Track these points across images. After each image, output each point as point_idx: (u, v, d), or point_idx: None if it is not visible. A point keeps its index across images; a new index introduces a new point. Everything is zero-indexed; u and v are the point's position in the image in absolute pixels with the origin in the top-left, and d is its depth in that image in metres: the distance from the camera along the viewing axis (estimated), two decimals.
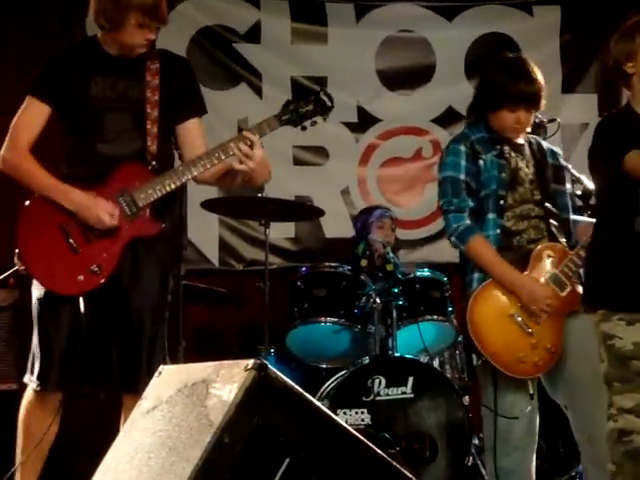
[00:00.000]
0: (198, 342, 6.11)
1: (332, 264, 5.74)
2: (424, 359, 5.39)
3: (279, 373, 2.61)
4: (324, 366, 5.62)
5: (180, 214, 4.24)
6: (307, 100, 4.07)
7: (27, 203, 3.92)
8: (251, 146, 3.90)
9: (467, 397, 5.20)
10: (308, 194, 6.80)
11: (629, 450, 3.58)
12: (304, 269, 5.79)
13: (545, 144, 4.43)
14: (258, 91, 6.80)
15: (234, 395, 2.54)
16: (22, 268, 3.87)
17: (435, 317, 5.53)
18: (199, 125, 4.13)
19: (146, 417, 2.89)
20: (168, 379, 2.99)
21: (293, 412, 2.61)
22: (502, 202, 4.16)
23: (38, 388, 3.88)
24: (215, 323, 6.47)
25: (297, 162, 6.87)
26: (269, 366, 2.59)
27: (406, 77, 7.02)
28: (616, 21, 3.88)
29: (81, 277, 3.82)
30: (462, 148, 4.23)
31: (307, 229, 6.82)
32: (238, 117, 6.74)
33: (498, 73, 4.27)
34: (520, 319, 4.10)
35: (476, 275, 4.20)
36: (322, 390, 5.18)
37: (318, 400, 4.94)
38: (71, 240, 3.84)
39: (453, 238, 4.22)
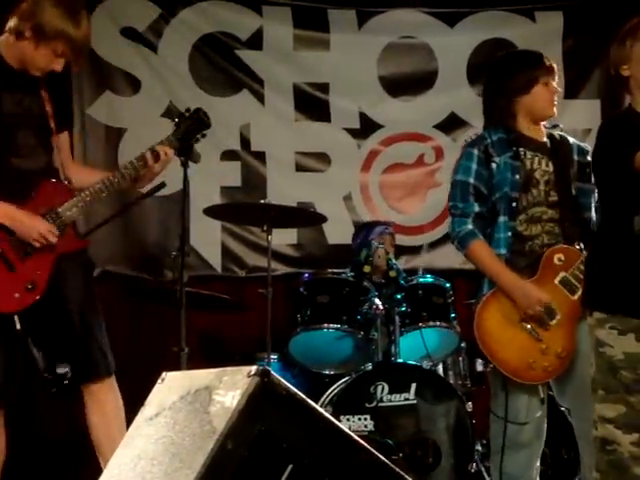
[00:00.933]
0: (201, 348, 6.10)
1: (335, 270, 5.75)
2: (427, 365, 5.38)
3: (282, 379, 2.61)
4: (327, 372, 5.62)
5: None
6: (191, 119, 4.26)
7: None
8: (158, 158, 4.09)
9: (470, 403, 5.19)
10: (310, 200, 6.80)
11: (612, 460, 3.54)
12: (307, 275, 5.79)
13: (571, 140, 4.41)
14: (260, 98, 6.80)
15: (237, 401, 2.53)
16: None
17: (438, 323, 5.53)
18: (69, 139, 4.24)
19: (149, 424, 2.88)
20: (171, 386, 2.99)
21: (296, 418, 2.61)
22: (514, 204, 4.16)
23: None
24: (218, 329, 6.46)
25: (299, 168, 6.86)
26: (272, 372, 2.58)
27: (408, 83, 7.01)
28: (618, 27, 3.87)
29: (17, 294, 3.88)
30: (475, 152, 4.24)
31: (309, 235, 6.81)
32: (240, 124, 6.74)
33: (517, 60, 4.37)
34: (529, 326, 4.09)
35: (486, 281, 4.21)
36: (325, 396, 5.18)
37: (321, 406, 4.93)
38: (7, 258, 3.88)
39: (455, 242, 4.26)
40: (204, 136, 4.31)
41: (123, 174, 4.05)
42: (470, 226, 4.19)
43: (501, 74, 4.34)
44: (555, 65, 4.34)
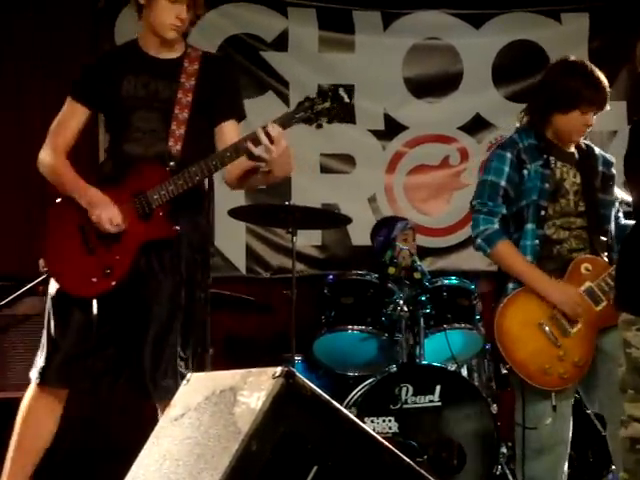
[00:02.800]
0: (225, 350, 6.11)
1: (359, 272, 5.74)
2: (451, 367, 5.37)
3: (307, 381, 2.61)
4: (351, 374, 5.62)
5: (207, 225, 4.12)
6: (324, 97, 3.93)
7: (54, 203, 3.97)
8: (270, 139, 3.78)
9: (495, 405, 5.17)
10: (335, 202, 6.80)
11: None
12: (331, 277, 5.79)
13: (597, 150, 4.41)
14: (285, 99, 6.80)
15: (262, 403, 2.54)
16: (45, 269, 3.92)
17: (463, 325, 5.52)
18: (236, 128, 4.07)
19: (174, 424, 2.89)
20: (196, 387, 2.99)
21: (320, 420, 2.61)
22: (543, 213, 4.16)
23: (37, 380, 3.87)
24: (242, 331, 6.47)
25: (324, 170, 6.87)
26: (297, 374, 2.59)
27: (433, 85, 7.01)
28: None
29: (94, 279, 3.81)
30: (508, 155, 4.24)
31: (334, 237, 6.81)
32: None
33: (574, 77, 4.27)
34: (548, 329, 4.08)
35: (511, 284, 4.20)
36: (349, 398, 5.18)
37: (345, 408, 4.93)
38: (88, 241, 3.84)
39: (479, 240, 4.23)
40: (343, 119, 3.96)
41: (222, 157, 3.83)
42: (497, 226, 4.20)
43: (554, 79, 4.33)
44: (607, 101, 4.32)
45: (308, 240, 6.62)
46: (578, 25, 7.00)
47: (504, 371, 5.63)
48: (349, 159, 6.91)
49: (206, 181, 4.06)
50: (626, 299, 3.67)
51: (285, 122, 3.89)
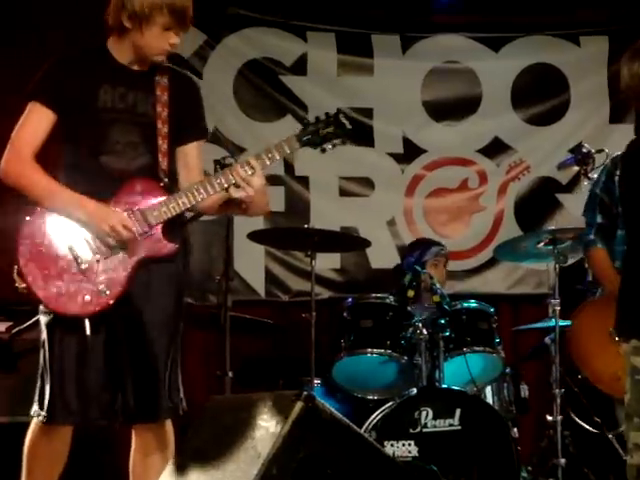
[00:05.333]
0: (245, 373, 6.10)
1: (378, 295, 5.72)
2: (471, 391, 5.35)
3: (326, 404, 2.61)
4: (371, 397, 5.59)
5: (189, 242, 3.97)
6: (326, 121, 3.94)
7: (30, 217, 3.67)
8: (252, 173, 3.74)
9: (515, 429, 5.15)
10: (354, 225, 6.80)
11: None
12: (350, 300, 5.78)
13: None
14: (304, 123, 6.80)
15: (281, 427, 2.54)
16: (22, 286, 3.61)
17: (482, 348, 5.49)
18: (199, 148, 3.98)
19: (195, 448, 2.89)
20: (216, 410, 2.99)
21: (340, 444, 2.60)
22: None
23: (44, 420, 3.66)
24: (261, 354, 6.47)
25: (343, 193, 6.88)
26: (316, 397, 2.59)
27: (452, 108, 7.01)
28: None
29: (88, 297, 3.60)
30: (608, 164, 4.48)
31: (353, 260, 6.81)
32: None
33: None
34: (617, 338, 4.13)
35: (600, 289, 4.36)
36: (369, 422, 5.16)
37: (365, 432, 4.92)
38: (78, 258, 3.63)
39: (582, 249, 4.57)
40: (344, 143, 3.98)
41: (228, 176, 3.72)
42: (591, 236, 4.44)
43: None
44: None
45: (327, 263, 6.62)
46: (597, 48, 7.00)
47: (524, 395, 5.64)
48: (368, 182, 6.91)
49: None
50: (633, 326, 3.66)
51: (291, 144, 3.88)
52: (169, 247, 3.75)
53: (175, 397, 3.75)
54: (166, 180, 3.77)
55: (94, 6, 4.00)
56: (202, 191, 3.72)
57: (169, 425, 3.77)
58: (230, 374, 5.12)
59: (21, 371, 5.26)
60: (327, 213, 6.75)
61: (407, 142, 6.94)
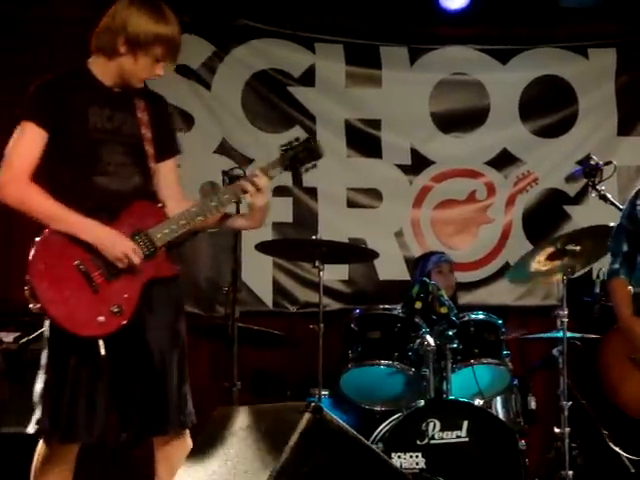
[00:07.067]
0: (252, 384, 6.11)
1: (386, 306, 5.73)
2: (479, 403, 5.34)
3: (334, 416, 2.61)
4: (378, 409, 5.59)
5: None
6: (302, 147, 4.01)
7: (40, 238, 3.66)
8: (257, 187, 3.83)
9: (523, 441, 5.14)
10: (362, 236, 6.81)
11: None
12: (358, 311, 5.77)
13: None
14: (312, 134, 6.82)
15: (289, 438, 2.53)
16: (37, 307, 3.60)
17: (490, 360, 5.48)
18: (175, 164, 4.02)
19: (201, 459, 2.89)
20: (223, 421, 2.99)
21: (348, 455, 2.60)
22: None
23: (49, 439, 3.68)
24: (269, 365, 6.47)
25: (351, 204, 6.89)
26: (324, 409, 2.59)
27: (460, 120, 7.02)
28: None
29: (102, 318, 3.61)
30: (633, 193, 4.49)
31: (361, 271, 6.82)
32: None
33: None
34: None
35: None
36: (376, 433, 5.16)
37: (372, 443, 4.91)
38: (90, 278, 3.63)
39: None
40: (315, 166, 4.08)
41: (220, 199, 3.79)
42: (616, 265, 4.48)
43: None
44: None
45: (335, 274, 6.63)
46: (605, 61, 7.01)
47: (532, 406, 5.64)
48: (376, 194, 6.92)
49: None
50: None
51: (273, 169, 3.94)
52: (173, 269, 3.82)
53: (184, 409, 3.76)
54: (158, 201, 3.82)
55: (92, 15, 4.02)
56: (200, 212, 3.79)
57: (188, 437, 3.78)
58: (238, 385, 5.13)
59: (30, 382, 5.28)
60: (335, 224, 6.76)
61: (415, 153, 6.95)
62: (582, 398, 5.65)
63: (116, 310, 3.63)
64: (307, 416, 2.56)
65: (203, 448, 2.94)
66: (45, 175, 3.73)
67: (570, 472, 5.12)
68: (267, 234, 6.48)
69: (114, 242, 3.64)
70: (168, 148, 3.97)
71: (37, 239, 3.67)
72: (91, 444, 3.72)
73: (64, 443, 3.70)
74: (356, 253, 6.21)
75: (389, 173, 6.92)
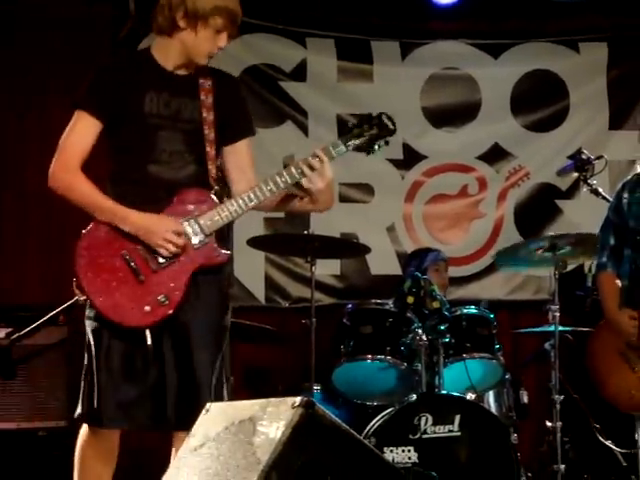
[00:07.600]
0: (245, 379, 6.11)
1: (378, 301, 5.73)
2: (471, 397, 5.35)
3: (326, 411, 2.61)
4: (370, 403, 5.60)
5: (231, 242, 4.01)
6: (370, 124, 3.91)
7: (86, 230, 3.67)
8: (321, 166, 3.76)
9: (515, 435, 5.15)
10: (354, 231, 6.81)
11: None
12: (350, 306, 5.78)
13: None
14: (304, 129, 6.83)
15: (281, 433, 2.54)
16: (82, 298, 3.63)
17: (482, 354, 5.49)
18: (249, 146, 3.95)
19: (194, 454, 2.89)
20: (215, 416, 2.99)
21: (340, 450, 2.60)
22: (639, 238, 4.27)
23: (91, 424, 3.68)
24: (261, 360, 6.47)
25: (343, 199, 6.87)
26: (316, 404, 2.59)
27: (452, 114, 7.03)
28: None
29: (148, 308, 3.60)
30: (619, 186, 4.50)
31: (353, 266, 6.82)
32: (284, 155, 6.76)
33: None
34: (628, 355, 4.21)
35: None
36: (368, 428, 5.16)
37: (364, 438, 4.92)
38: (135, 269, 3.62)
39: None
40: (387, 144, 3.94)
41: (276, 182, 3.70)
42: (604, 259, 4.49)
43: None
44: None
45: (327, 269, 6.63)
46: (596, 55, 7.02)
47: (524, 400, 5.65)
48: (368, 188, 6.92)
49: None
50: None
51: (339, 150, 3.88)
52: (223, 255, 3.75)
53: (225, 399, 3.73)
54: (217, 187, 3.75)
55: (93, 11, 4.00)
56: (253, 197, 3.71)
57: None
58: (231, 380, 5.12)
59: (22, 377, 5.28)
60: (327, 219, 6.72)
61: (407, 148, 6.95)
62: (574, 392, 5.66)
63: (162, 300, 3.62)
64: (299, 411, 2.56)
65: (195, 443, 2.94)
66: (105, 165, 3.75)
67: (562, 466, 5.14)
68: (259, 229, 6.48)
69: (153, 228, 3.61)
70: (239, 129, 3.91)
71: (84, 231, 3.68)
72: (132, 430, 3.78)
73: (105, 428, 3.69)
74: (348, 248, 6.22)
75: (381, 168, 6.91)
